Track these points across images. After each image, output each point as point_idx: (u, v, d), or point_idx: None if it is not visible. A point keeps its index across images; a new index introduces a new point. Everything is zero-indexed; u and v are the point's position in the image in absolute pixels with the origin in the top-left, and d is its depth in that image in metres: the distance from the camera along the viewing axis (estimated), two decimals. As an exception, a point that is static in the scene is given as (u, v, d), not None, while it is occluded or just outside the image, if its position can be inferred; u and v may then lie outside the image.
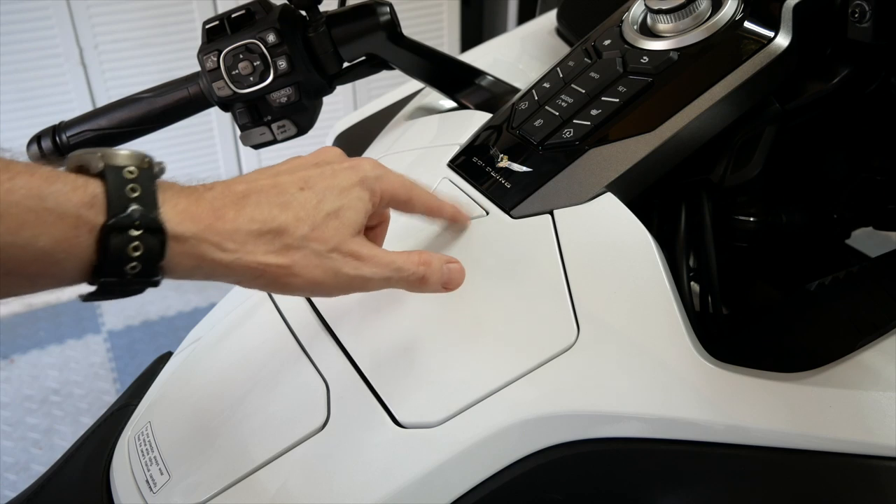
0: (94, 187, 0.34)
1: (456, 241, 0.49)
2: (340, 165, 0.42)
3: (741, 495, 0.41)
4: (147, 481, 0.48)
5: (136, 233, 0.33)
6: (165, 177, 0.37)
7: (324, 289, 0.40)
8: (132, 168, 0.35)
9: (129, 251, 0.33)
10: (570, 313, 0.43)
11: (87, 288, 0.35)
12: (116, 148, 0.36)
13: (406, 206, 0.45)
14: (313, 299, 0.51)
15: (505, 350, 0.43)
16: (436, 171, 0.55)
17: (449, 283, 0.44)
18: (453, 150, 0.56)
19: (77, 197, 0.33)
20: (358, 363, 0.46)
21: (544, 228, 0.46)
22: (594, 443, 0.42)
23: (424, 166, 0.57)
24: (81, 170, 0.35)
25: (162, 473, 0.48)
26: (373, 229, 0.47)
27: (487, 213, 0.49)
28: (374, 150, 0.68)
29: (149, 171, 0.36)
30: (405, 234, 0.51)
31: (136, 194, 0.34)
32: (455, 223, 0.49)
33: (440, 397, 0.43)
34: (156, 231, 0.34)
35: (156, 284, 0.36)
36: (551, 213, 0.46)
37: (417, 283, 0.43)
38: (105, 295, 0.35)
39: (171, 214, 0.35)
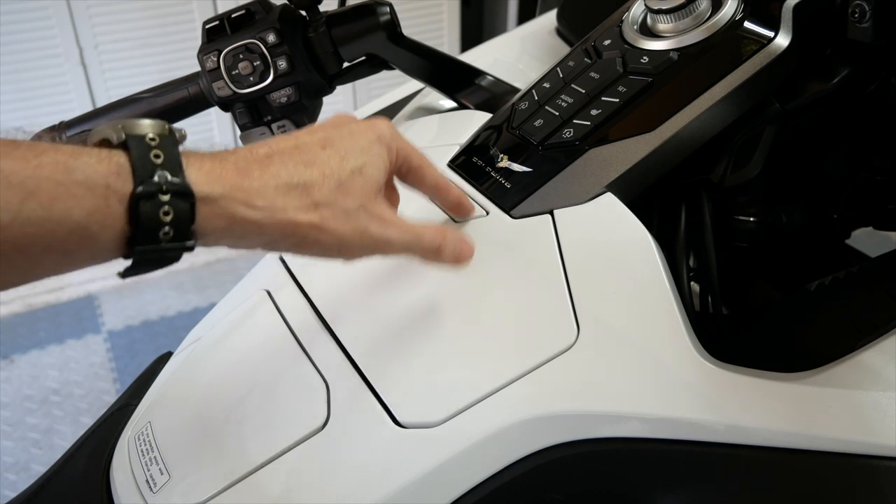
0: (119, 157, 0.34)
1: None
2: (358, 126, 0.43)
3: (741, 495, 0.41)
4: (147, 481, 0.48)
5: (165, 198, 0.34)
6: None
7: (349, 249, 0.40)
8: (153, 135, 0.35)
9: (160, 216, 0.34)
10: (570, 313, 0.43)
11: (124, 263, 0.35)
12: (136, 118, 0.36)
13: (417, 173, 0.45)
14: (313, 299, 0.51)
15: (505, 350, 0.43)
16: None
17: (460, 257, 0.45)
18: (453, 150, 0.56)
19: (103, 168, 0.33)
20: (357, 363, 0.46)
21: (544, 228, 0.46)
22: (594, 443, 0.42)
23: None
24: (104, 143, 0.35)
25: (162, 473, 0.48)
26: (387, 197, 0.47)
27: (488, 213, 0.49)
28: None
29: (170, 137, 0.36)
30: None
31: (160, 160, 0.34)
32: (457, 213, 0.49)
33: (440, 397, 0.43)
34: (184, 194, 0.34)
35: (191, 249, 0.36)
36: (551, 213, 0.46)
37: (434, 252, 0.43)
38: (143, 267, 0.35)
39: (197, 177, 0.35)
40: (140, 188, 0.33)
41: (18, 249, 0.31)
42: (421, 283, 0.48)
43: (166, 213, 0.34)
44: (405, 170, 0.45)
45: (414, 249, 0.43)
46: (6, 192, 0.30)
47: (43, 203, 0.31)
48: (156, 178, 0.34)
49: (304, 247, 0.39)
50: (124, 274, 0.36)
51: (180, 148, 0.36)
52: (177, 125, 0.38)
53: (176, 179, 0.34)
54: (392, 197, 0.47)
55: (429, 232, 0.43)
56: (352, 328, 0.48)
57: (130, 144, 0.34)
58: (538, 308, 0.44)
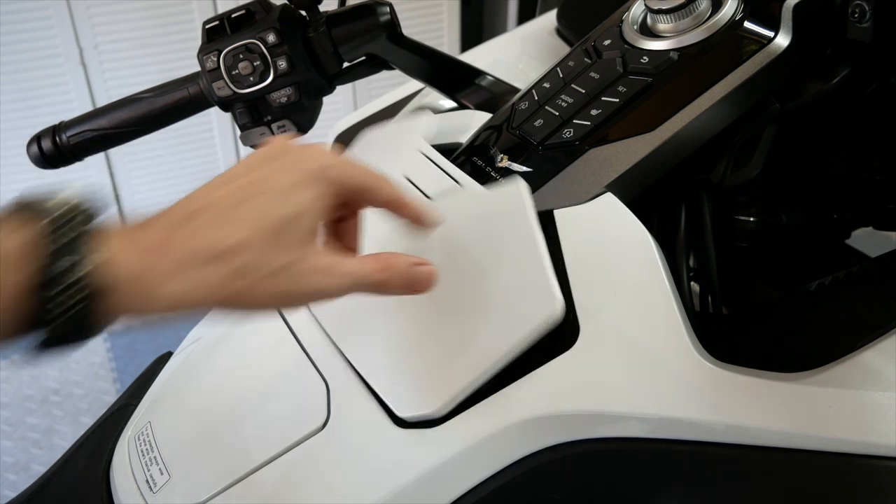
0: (28, 233, 0.32)
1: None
2: (286, 159, 0.38)
3: (741, 495, 0.41)
4: (147, 481, 0.48)
5: (70, 278, 0.32)
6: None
7: (284, 305, 0.38)
8: (68, 212, 0.33)
9: (64, 300, 0.32)
10: (549, 284, 0.41)
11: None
12: (61, 186, 0.34)
13: (368, 196, 0.40)
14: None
15: (491, 329, 0.42)
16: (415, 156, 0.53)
17: (417, 286, 0.40)
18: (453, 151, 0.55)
19: (12, 242, 0.31)
20: (353, 362, 0.46)
21: (516, 196, 0.44)
22: (594, 443, 0.42)
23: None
24: (24, 208, 0.33)
25: (162, 473, 0.48)
26: (344, 221, 0.43)
27: (461, 185, 0.48)
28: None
29: (85, 215, 0.33)
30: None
31: (68, 240, 0.32)
32: (419, 224, 0.43)
33: (437, 387, 0.43)
34: (90, 281, 0.32)
35: (96, 333, 0.34)
36: (551, 213, 0.46)
37: (380, 287, 0.39)
38: (46, 349, 0.34)
39: (109, 260, 0.33)
40: (47, 273, 0.31)
41: None
42: None
43: (71, 298, 0.32)
44: (354, 195, 0.40)
45: (357, 289, 0.39)
46: None
47: None
48: (62, 261, 0.32)
49: (234, 312, 0.36)
50: (22, 357, 0.34)
51: (96, 223, 0.34)
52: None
53: (84, 265, 0.32)
54: (345, 230, 0.43)
55: (371, 270, 0.39)
56: (346, 328, 0.48)
57: (42, 221, 0.32)
58: (519, 283, 0.43)
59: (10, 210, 0.33)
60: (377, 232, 0.46)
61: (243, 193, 0.36)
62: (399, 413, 0.43)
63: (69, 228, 0.32)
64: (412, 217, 0.43)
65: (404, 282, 0.40)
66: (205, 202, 0.36)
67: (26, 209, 0.33)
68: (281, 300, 0.37)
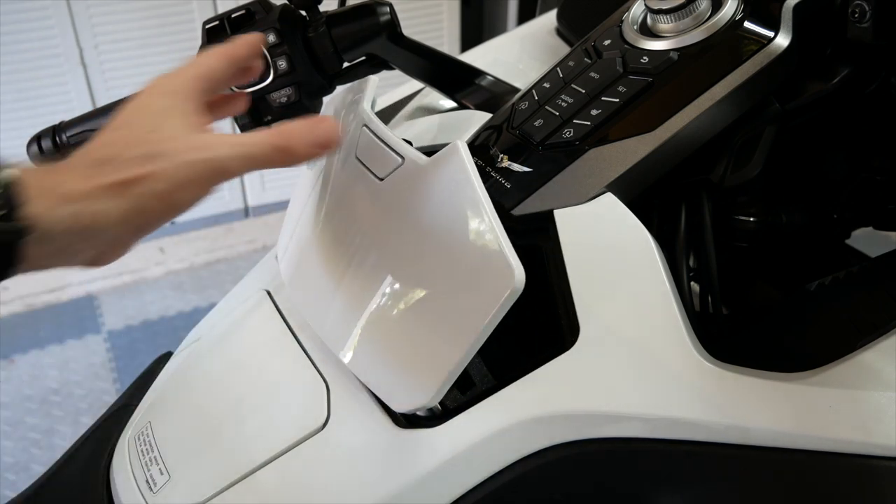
0: None
1: (386, 203, 0.46)
2: (139, 93, 0.43)
3: (741, 495, 0.41)
4: (147, 481, 0.48)
5: None
6: None
7: (186, 187, 0.39)
8: None
9: None
10: (504, 251, 0.39)
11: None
12: None
13: (235, 67, 0.46)
14: (301, 307, 0.51)
15: (458, 306, 0.41)
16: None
17: (324, 143, 0.42)
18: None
19: None
20: (345, 363, 0.46)
21: (457, 160, 0.43)
22: (594, 443, 0.42)
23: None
24: None
25: (162, 473, 0.48)
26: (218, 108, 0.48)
27: (403, 159, 0.46)
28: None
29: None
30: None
31: None
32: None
33: (424, 376, 0.42)
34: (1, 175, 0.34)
35: (26, 233, 0.34)
36: (551, 213, 0.46)
37: (282, 154, 0.41)
38: None
39: (11, 166, 0.35)
40: None
41: None
42: (382, 270, 0.46)
43: None
44: (218, 77, 0.45)
45: (257, 159, 0.41)
46: None
47: None
48: None
49: (143, 211, 0.38)
50: None
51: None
52: None
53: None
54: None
55: (265, 135, 0.41)
56: (334, 330, 0.48)
57: None
58: (475, 255, 0.41)
59: None
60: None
61: (116, 123, 0.41)
62: (395, 408, 0.43)
63: None
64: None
65: (310, 141, 0.42)
66: (87, 146, 0.39)
67: None
68: (180, 178, 0.38)
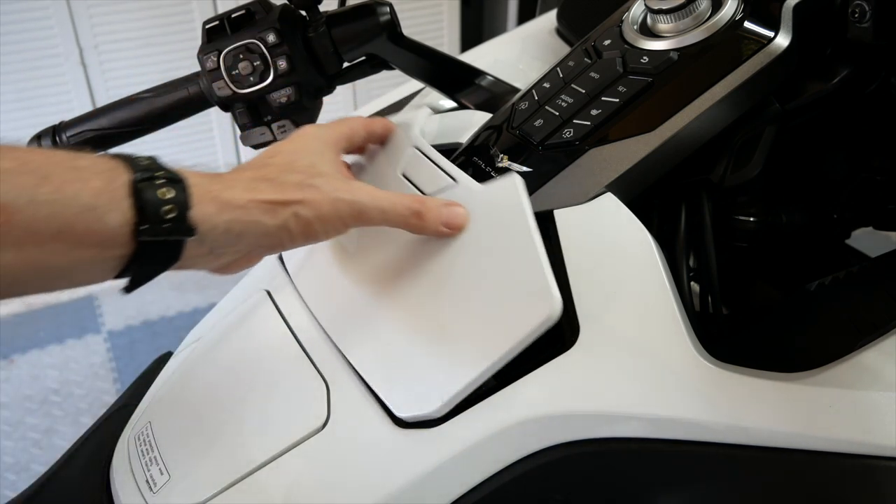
0: (112, 161, 0.37)
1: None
2: (295, 135, 0.47)
3: (741, 495, 0.41)
4: (147, 481, 0.48)
5: (161, 181, 0.37)
6: None
7: (326, 219, 0.42)
8: (151, 165, 0.38)
9: (160, 196, 0.36)
10: (546, 283, 0.41)
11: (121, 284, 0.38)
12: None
13: (370, 138, 0.51)
14: (309, 305, 0.51)
15: (489, 329, 0.42)
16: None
17: (450, 223, 0.45)
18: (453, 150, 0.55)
19: (103, 162, 0.36)
20: (352, 362, 0.46)
21: (512, 193, 0.44)
22: (594, 443, 0.42)
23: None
24: (108, 163, 0.38)
25: (162, 473, 0.48)
26: None
27: (456, 182, 0.47)
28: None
29: (164, 168, 0.39)
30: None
31: (146, 163, 0.38)
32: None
33: (436, 387, 0.43)
34: (177, 180, 0.37)
35: (192, 234, 0.38)
36: (551, 213, 0.46)
37: (415, 217, 0.44)
38: (148, 262, 0.37)
39: (183, 172, 0.39)
40: (137, 174, 0.36)
41: (31, 234, 0.33)
42: (403, 274, 0.47)
43: (165, 194, 0.36)
44: (357, 140, 0.50)
45: (391, 215, 0.44)
46: (24, 177, 0.33)
47: (56, 186, 0.34)
48: (148, 167, 0.37)
49: (287, 230, 0.41)
50: (129, 286, 0.38)
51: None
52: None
53: (167, 169, 0.38)
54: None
55: (404, 197, 0.44)
56: (344, 328, 0.48)
57: (119, 155, 0.38)
58: (517, 281, 0.42)
59: (97, 162, 0.37)
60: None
61: (273, 152, 0.45)
62: (398, 413, 0.43)
63: (145, 158, 0.38)
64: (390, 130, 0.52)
65: (439, 217, 0.45)
66: (243, 165, 0.44)
67: (111, 162, 0.37)
68: (324, 210, 0.42)
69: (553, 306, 0.40)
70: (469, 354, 0.42)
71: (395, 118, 0.55)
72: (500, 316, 0.42)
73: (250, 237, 0.40)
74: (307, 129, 0.48)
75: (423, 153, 0.50)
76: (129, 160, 0.37)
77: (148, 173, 0.37)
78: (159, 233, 0.36)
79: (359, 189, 0.43)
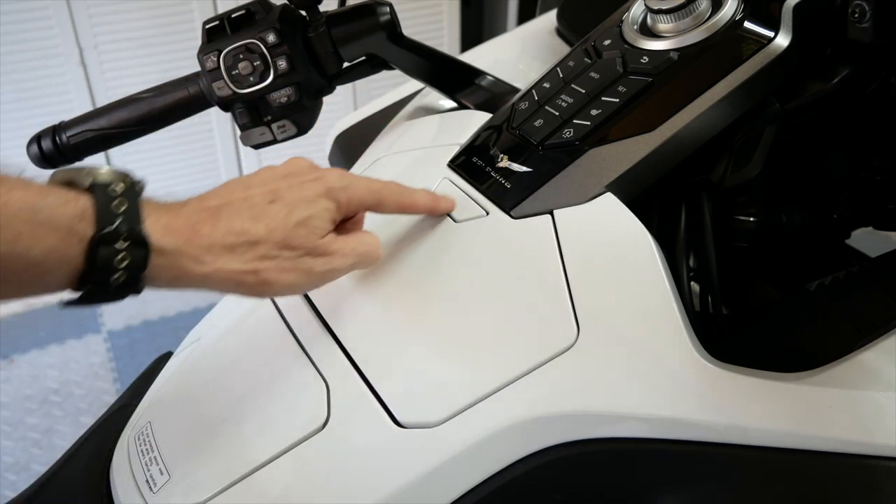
0: (84, 201, 0.36)
1: (456, 242, 0.49)
2: (308, 177, 0.44)
3: (741, 495, 0.41)
4: (147, 481, 0.48)
5: (122, 245, 0.36)
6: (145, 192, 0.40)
7: (299, 288, 0.44)
8: (118, 185, 0.37)
9: (116, 262, 0.36)
10: (569, 313, 0.43)
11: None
12: (99, 166, 0.39)
13: (378, 208, 0.48)
14: (312, 298, 0.51)
15: (505, 349, 0.43)
16: (435, 171, 0.54)
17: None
18: (453, 150, 0.56)
19: (69, 210, 0.35)
20: (357, 363, 0.46)
21: (544, 228, 0.46)
22: (594, 443, 0.42)
23: (424, 166, 0.57)
24: (70, 185, 0.37)
25: (162, 473, 0.48)
26: (348, 220, 0.48)
27: (487, 213, 0.49)
28: (374, 150, 0.68)
29: (133, 188, 0.38)
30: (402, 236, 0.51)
31: (122, 209, 0.37)
32: (437, 214, 0.50)
33: (440, 397, 0.43)
34: (141, 244, 0.37)
35: (137, 292, 0.38)
36: (551, 213, 0.46)
37: (375, 260, 0.47)
38: (87, 301, 0.37)
39: (154, 229, 0.38)
40: (102, 232, 0.36)
41: None
42: (421, 283, 0.48)
43: (122, 260, 0.36)
44: (364, 210, 0.47)
45: (358, 266, 0.46)
46: None
47: (7, 239, 0.33)
48: (116, 226, 0.36)
49: (252, 293, 0.42)
50: (66, 304, 0.38)
51: (141, 198, 0.39)
52: (139, 179, 0.40)
53: (135, 229, 0.37)
54: (352, 221, 0.49)
55: (368, 248, 0.46)
56: (351, 328, 0.48)
57: (96, 191, 0.37)
58: (538, 308, 0.44)
59: (58, 182, 0.37)
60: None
61: (265, 199, 0.42)
62: (401, 419, 0.43)
63: (126, 196, 0.37)
64: (427, 211, 0.50)
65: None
66: (231, 198, 0.42)
67: (74, 182, 0.37)
68: (293, 284, 0.43)
69: (571, 337, 0.42)
70: (485, 370, 0.43)
71: (423, 149, 0.56)
72: (521, 339, 0.43)
73: (201, 290, 0.41)
74: (331, 178, 0.45)
75: (454, 185, 0.52)
76: (101, 202, 0.36)
77: (114, 234, 0.36)
78: (102, 292, 0.37)
79: (334, 255, 0.44)
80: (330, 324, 0.49)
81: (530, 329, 0.43)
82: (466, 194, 0.51)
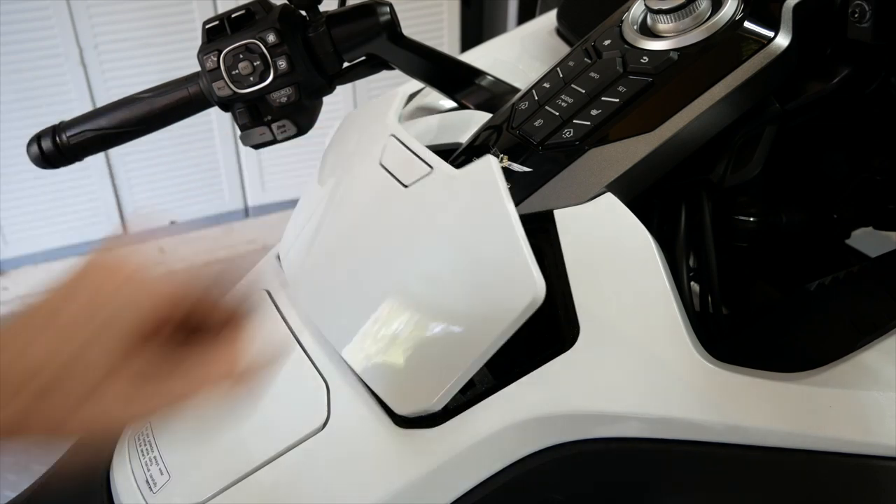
0: None
1: (409, 211, 0.47)
2: (101, 289, 0.37)
3: (741, 495, 0.41)
4: (147, 481, 0.48)
5: None
6: None
7: (85, 430, 0.37)
8: None
9: None
10: (528, 265, 0.40)
11: None
12: None
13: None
14: (304, 303, 0.51)
15: (477, 316, 0.42)
16: (381, 132, 0.52)
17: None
18: (453, 150, 0.55)
19: None
20: (348, 361, 0.46)
21: (486, 173, 0.44)
22: (594, 443, 0.42)
23: (370, 135, 0.56)
24: None
25: (162, 473, 0.48)
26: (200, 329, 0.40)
27: (432, 168, 0.47)
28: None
29: None
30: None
31: None
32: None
33: (431, 381, 0.43)
34: None
35: None
36: (551, 213, 0.46)
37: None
38: None
39: None
40: None
41: None
42: (398, 273, 0.47)
43: None
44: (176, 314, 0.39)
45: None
46: None
47: None
48: None
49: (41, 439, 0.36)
50: None
51: None
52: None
53: None
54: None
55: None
56: (339, 327, 0.48)
57: None
58: (498, 267, 0.42)
59: None
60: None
61: (54, 315, 0.36)
62: (397, 410, 0.43)
63: None
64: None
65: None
66: (17, 322, 0.36)
67: None
68: (80, 426, 0.35)
69: (535, 290, 0.40)
70: (459, 346, 0.42)
71: (371, 104, 0.53)
72: (486, 304, 0.42)
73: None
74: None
75: (399, 141, 0.49)
76: None
77: None
78: None
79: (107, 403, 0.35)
80: (319, 325, 0.49)
81: (494, 290, 0.41)
82: (412, 151, 0.48)
